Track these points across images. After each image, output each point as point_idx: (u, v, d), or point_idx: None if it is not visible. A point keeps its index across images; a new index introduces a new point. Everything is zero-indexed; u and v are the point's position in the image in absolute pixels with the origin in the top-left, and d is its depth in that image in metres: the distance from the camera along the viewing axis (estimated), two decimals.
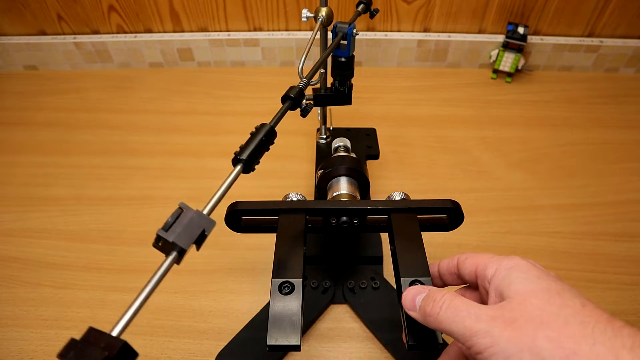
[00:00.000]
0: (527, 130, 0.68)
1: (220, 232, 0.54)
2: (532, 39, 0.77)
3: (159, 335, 0.45)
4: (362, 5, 0.45)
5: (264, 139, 0.28)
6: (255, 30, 0.80)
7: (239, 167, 0.27)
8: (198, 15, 0.78)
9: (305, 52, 0.37)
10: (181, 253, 0.22)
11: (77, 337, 0.19)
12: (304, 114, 0.32)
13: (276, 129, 0.30)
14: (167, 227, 0.22)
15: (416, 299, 0.28)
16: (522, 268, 0.26)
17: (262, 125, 0.29)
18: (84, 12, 0.78)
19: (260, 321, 0.44)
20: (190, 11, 0.77)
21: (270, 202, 0.38)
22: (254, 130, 0.29)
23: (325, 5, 0.42)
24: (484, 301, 0.29)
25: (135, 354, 0.20)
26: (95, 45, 0.80)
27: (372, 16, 0.46)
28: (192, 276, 0.50)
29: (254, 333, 0.43)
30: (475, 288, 0.31)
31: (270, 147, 0.30)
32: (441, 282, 0.33)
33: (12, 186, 0.61)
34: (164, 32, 0.80)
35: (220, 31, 0.80)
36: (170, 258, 0.22)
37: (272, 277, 0.31)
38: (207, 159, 0.64)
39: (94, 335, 0.19)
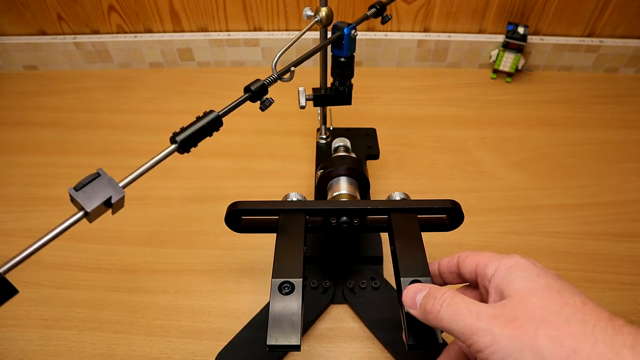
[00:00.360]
0: (527, 130, 0.68)
1: (220, 232, 0.54)
2: (532, 39, 0.76)
3: (159, 335, 0.45)
4: (373, 10, 0.45)
5: (206, 125, 0.29)
6: (255, 30, 0.80)
7: (172, 147, 0.28)
8: (198, 15, 0.78)
9: (284, 49, 0.37)
10: (86, 213, 0.24)
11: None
12: (263, 108, 0.33)
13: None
14: (78, 187, 0.24)
15: (417, 296, 0.28)
16: (522, 266, 0.26)
17: (210, 112, 0.30)
18: (84, 12, 0.78)
19: (260, 321, 0.44)
20: (190, 11, 0.77)
21: (270, 202, 0.38)
22: (201, 114, 0.30)
23: (325, 5, 0.42)
24: (484, 300, 0.29)
25: (14, 291, 0.21)
26: (95, 45, 0.80)
27: (383, 22, 0.45)
28: (192, 276, 0.50)
29: (254, 333, 0.43)
30: (475, 287, 0.31)
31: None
32: (441, 281, 0.33)
33: (12, 186, 0.61)
34: (164, 32, 0.80)
35: (220, 31, 0.80)
36: (78, 215, 0.24)
37: (272, 277, 0.31)
38: (207, 159, 0.64)
39: None
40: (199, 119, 0.29)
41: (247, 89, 0.32)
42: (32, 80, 0.81)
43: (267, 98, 0.33)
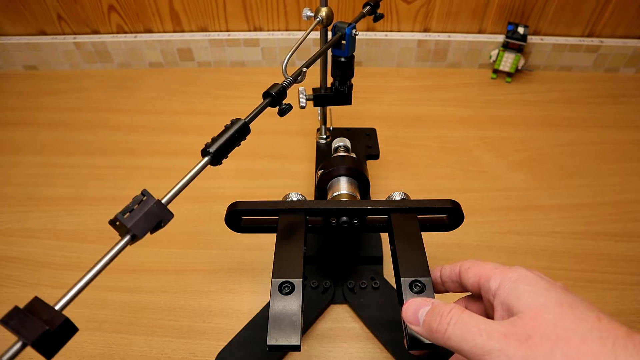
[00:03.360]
0: (527, 130, 0.68)
1: (221, 232, 0.54)
2: (532, 39, 0.76)
3: (159, 335, 0.45)
4: (367, 7, 0.45)
5: (235, 134, 0.29)
6: (255, 30, 0.80)
7: (206, 159, 0.28)
8: (198, 15, 0.78)
9: (292, 51, 0.37)
10: (134, 238, 0.23)
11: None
12: (282, 113, 0.32)
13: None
14: (126, 212, 0.23)
15: (419, 312, 0.27)
16: (528, 280, 0.25)
17: (237, 120, 0.29)
18: (84, 12, 0.78)
19: (260, 321, 0.44)
20: (190, 11, 0.77)
21: (270, 202, 0.38)
22: (228, 123, 0.29)
23: (326, 5, 0.42)
24: (488, 314, 0.28)
25: (75, 330, 0.20)
26: (95, 45, 0.80)
27: (375, 20, 0.46)
28: (192, 276, 0.50)
29: (254, 333, 0.43)
30: (479, 298, 0.30)
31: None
32: (443, 289, 0.32)
33: (12, 186, 0.61)
34: (164, 32, 0.80)
35: (220, 31, 0.80)
36: (124, 240, 0.23)
37: (272, 277, 0.31)
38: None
39: (37, 306, 0.19)
40: (227, 128, 0.29)
41: (267, 94, 0.32)
42: (32, 80, 0.81)
43: (286, 106, 0.33)
